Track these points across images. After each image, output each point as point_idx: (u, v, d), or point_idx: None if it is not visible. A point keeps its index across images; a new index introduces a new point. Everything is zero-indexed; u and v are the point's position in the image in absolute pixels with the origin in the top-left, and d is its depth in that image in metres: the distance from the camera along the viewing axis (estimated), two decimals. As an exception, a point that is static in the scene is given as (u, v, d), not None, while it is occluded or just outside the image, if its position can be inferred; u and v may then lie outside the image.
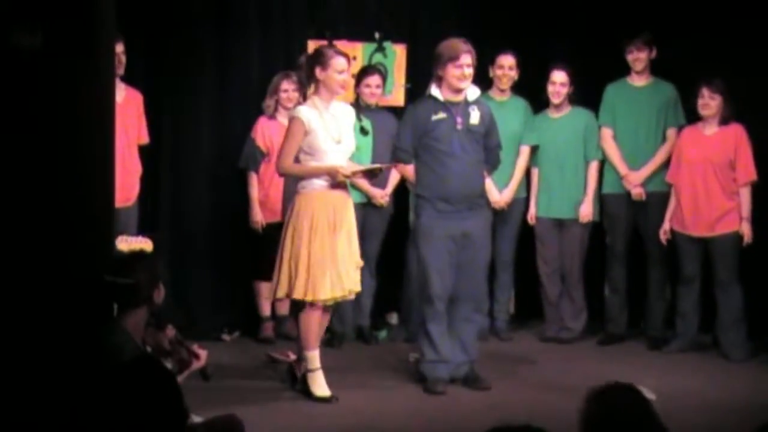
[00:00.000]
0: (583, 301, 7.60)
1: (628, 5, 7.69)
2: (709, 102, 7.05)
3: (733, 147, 7.04)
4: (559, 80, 7.46)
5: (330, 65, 6.02)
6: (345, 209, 6.10)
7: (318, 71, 6.04)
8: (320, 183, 6.03)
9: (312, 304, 6.02)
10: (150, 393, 3.19)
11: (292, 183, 6.65)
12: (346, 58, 6.14)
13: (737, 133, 7.06)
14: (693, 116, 7.24)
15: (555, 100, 7.49)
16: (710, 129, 7.11)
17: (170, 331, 4.67)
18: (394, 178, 7.27)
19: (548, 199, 7.57)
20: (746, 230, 7.02)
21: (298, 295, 5.99)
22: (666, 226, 7.25)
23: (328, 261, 5.97)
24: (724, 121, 7.07)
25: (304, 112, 6.03)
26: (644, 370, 6.63)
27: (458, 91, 6.28)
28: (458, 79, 6.25)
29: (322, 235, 5.96)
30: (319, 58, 6.07)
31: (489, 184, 6.78)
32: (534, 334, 7.74)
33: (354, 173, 6.13)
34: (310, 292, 5.97)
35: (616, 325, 7.59)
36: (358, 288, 6.21)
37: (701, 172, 7.08)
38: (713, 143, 7.09)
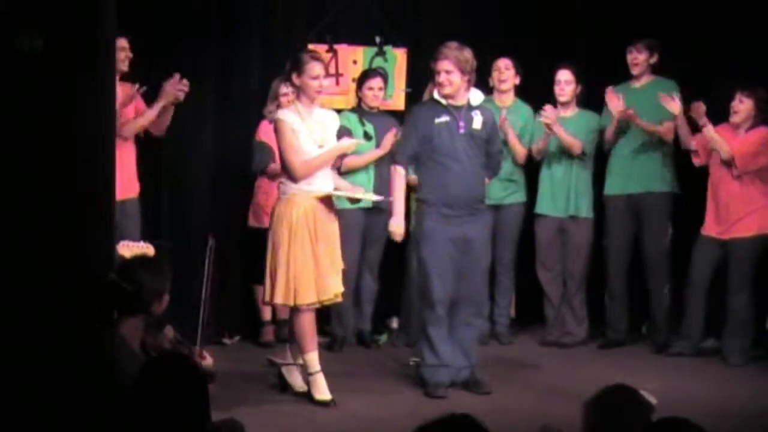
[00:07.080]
0: (583, 310, 7.58)
1: (638, 7, 7.67)
2: (738, 106, 6.98)
3: (761, 152, 6.95)
4: (564, 79, 7.45)
5: (304, 71, 5.99)
6: (328, 216, 6.07)
7: (294, 77, 6.03)
8: (301, 188, 5.99)
9: (301, 308, 6.01)
10: (181, 388, 3.28)
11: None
12: (322, 64, 6.11)
13: (766, 138, 6.97)
14: (715, 118, 7.08)
15: (561, 98, 7.47)
16: (741, 132, 7.04)
17: (169, 332, 4.67)
18: None
19: (553, 199, 7.55)
20: None
21: (278, 299, 6.01)
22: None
23: (310, 265, 5.94)
24: (754, 126, 7.00)
25: (286, 114, 6.05)
26: (645, 374, 6.62)
27: (443, 96, 6.26)
28: (438, 85, 6.26)
29: (302, 240, 5.93)
30: (295, 65, 6.05)
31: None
32: (535, 338, 7.74)
33: (342, 188, 6.20)
34: (291, 296, 5.95)
35: (615, 330, 7.57)
36: (340, 290, 6.15)
37: (725, 174, 7.02)
38: (740, 146, 6.99)
